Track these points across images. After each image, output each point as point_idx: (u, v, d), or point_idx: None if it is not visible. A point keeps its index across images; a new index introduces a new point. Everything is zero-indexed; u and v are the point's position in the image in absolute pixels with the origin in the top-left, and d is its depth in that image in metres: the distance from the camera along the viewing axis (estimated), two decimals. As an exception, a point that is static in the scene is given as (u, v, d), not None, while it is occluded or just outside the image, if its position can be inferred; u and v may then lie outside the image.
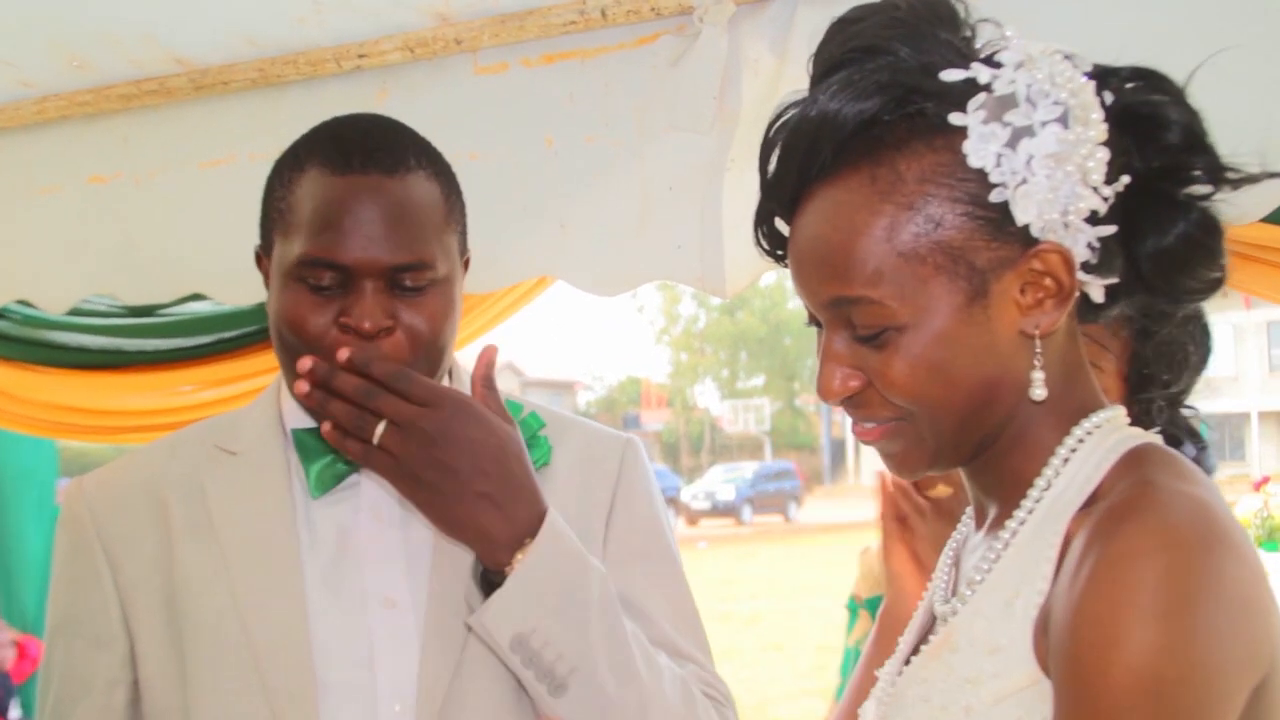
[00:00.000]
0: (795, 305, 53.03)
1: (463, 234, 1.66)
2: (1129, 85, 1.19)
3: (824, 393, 1.22)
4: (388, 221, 1.54)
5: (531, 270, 2.28)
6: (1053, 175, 1.13)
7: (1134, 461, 1.15)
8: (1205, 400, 1.86)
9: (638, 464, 1.76)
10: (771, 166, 1.23)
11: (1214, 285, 1.21)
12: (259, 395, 1.77)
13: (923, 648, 1.24)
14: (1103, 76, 1.19)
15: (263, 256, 1.66)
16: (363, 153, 1.56)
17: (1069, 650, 1.05)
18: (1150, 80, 1.19)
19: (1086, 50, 1.20)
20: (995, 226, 1.14)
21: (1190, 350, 1.82)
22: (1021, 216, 1.13)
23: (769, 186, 1.24)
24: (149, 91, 2.48)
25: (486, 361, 1.59)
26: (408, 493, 1.53)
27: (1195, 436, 1.86)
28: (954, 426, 1.20)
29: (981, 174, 1.14)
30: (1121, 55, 1.21)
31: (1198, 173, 1.17)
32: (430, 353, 1.59)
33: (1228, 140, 1.19)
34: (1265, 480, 8.02)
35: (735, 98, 2.08)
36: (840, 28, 1.21)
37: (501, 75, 2.28)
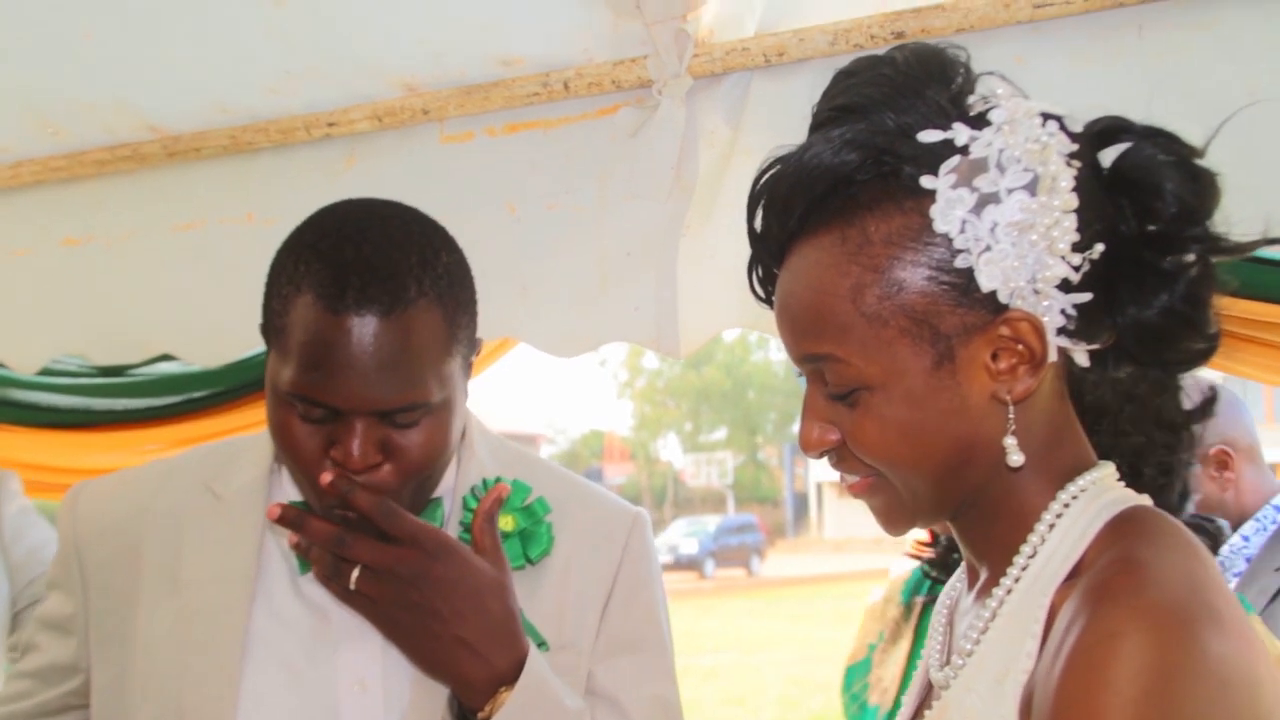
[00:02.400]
0: (758, 359, 53.11)
1: (468, 341, 1.60)
2: (1136, 145, 1.17)
3: (804, 445, 1.23)
4: (380, 366, 1.46)
5: (494, 332, 2.33)
6: (1018, 243, 1.12)
7: (1119, 530, 1.14)
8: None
9: (642, 548, 1.73)
10: (757, 220, 1.24)
11: (1200, 356, 1.19)
12: (263, 431, 1.72)
13: None
14: (1109, 134, 1.18)
15: (263, 333, 1.60)
16: (358, 288, 1.46)
17: None
18: (1160, 141, 1.17)
19: (1106, 106, 1.21)
20: (960, 292, 1.14)
21: (1160, 407, 1.71)
22: (986, 283, 1.13)
23: (756, 239, 1.25)
24: (122, 157, 2.54)
25: (494, 499, 1.57)
26: (386, 633, 1.52)
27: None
28: (928, 487, 1.19)
29: (948, 239, 1.13)
30: (1149, 111, 1.21)
31: (1189, 243, 1.15)
32: (423, 478, 1.57)
33: (1236, 202, 1.18)
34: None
35: (692, 167, 2.15)
36: (836, 82, 1.23)
37: (467, 144, 2.34)
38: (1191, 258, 1.15)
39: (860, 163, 1.16)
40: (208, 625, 1.59)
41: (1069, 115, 1.18)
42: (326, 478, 1.48)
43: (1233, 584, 2.92)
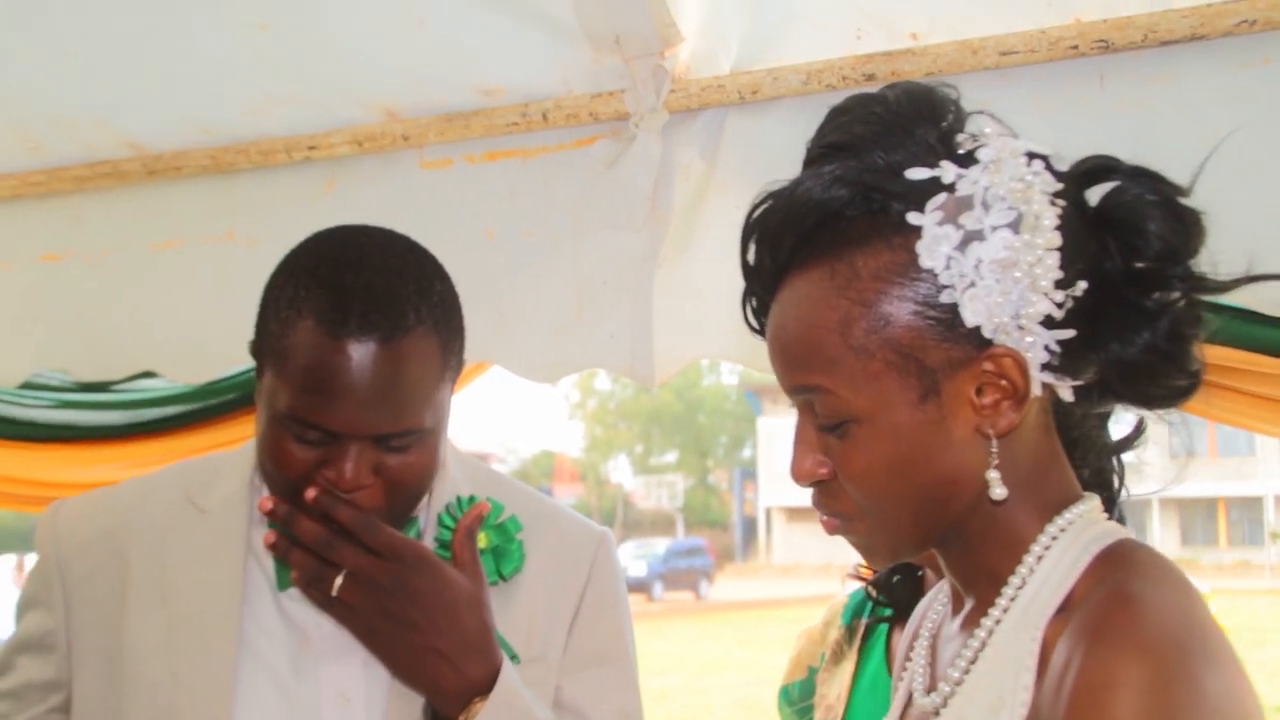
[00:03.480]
0: (710, 383, 53.26)
1: (458, 367, 1.65)
2: (1121, 185, 1.19)
3: (795, 475, 1.25)
4: (379, 392, 1.50)
5: (471, 356, 2.33)
6: (1002, 280, 1.14)
7: (1108, 563, 1.15)
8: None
9: (608, 566, 1.79)
10: (750, 253, 1.26)
11: (1182, 393, 1.20)
12: (240, 446, 1.77)
13: None
14: (1095, 173, 1.20)
15: (254, 354, 1.63)
16: (361, 314, 1.50)
17: None
18: (1145, 181, 1.19)
19: (1068, 152, 1.22)
20: (946, 327, 1.15)
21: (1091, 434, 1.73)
22: (971, 319, 1.15)
23: (748, 272, 1.27)
24: (102, 174, 2.56)
25: (475, 516, 1.63)
26: (364, 641, 1.57)
27: None
28: (909, 523, 1.21)
29: (934, 274, 1.15)
30: (1135, 151, 1.23)
31: (1173, 281, 1.17)
32: (410, 499, 1.62)
33: (1224, 237, 1.21)
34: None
35: (667, 199, 2.19)
36: (829, 119, 1.25)
37: (446, 170, 2.38)
38: (1175, 295, 1.18)
39: (849, 199, 1.18)
40: (199, 632, 1.62)
41: (1055, 155, 1.20)
42: (311, 493, 1.52)
43: None
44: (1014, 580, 1.20)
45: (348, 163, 2.45)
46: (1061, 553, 1.19)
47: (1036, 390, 1.18)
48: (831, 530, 1.27)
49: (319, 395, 1.50)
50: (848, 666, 2.21)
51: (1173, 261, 1.17)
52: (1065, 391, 1.20)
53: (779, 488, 44.90)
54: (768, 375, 1.41)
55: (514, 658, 1.67)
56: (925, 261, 1.16)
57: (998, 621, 1.20)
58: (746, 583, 39.43)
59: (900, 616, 2.20)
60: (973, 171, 1.17)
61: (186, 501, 1.71)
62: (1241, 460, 40.33)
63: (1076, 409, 1.24)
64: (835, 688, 2.21)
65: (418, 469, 1.59)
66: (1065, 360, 1.18)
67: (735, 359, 2.19)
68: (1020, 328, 1.16)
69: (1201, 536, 42.27)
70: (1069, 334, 1.16)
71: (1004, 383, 1.17)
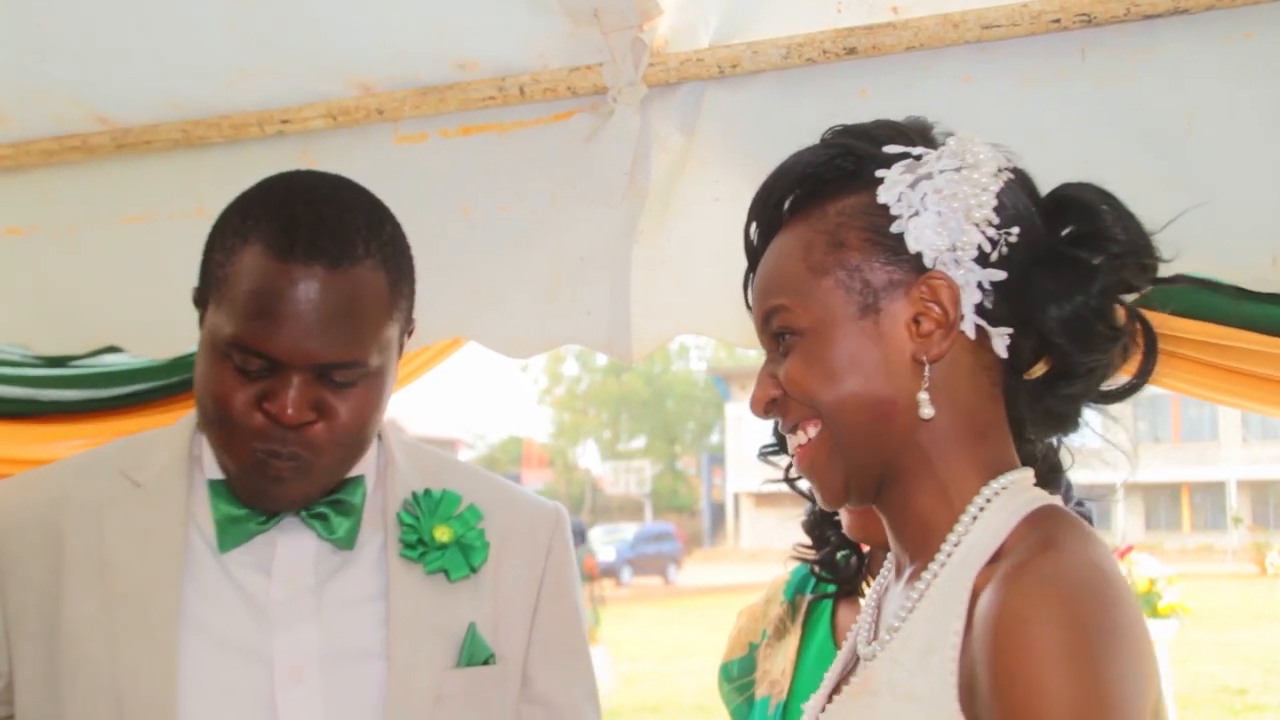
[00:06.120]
0: (679, 369, 53.32)
1: (407, 312, 1.63)
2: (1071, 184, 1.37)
3: (753, 402, 1.41)
4: (324, 319, 1.49)
5: (446, 332, 2.34)
6: (942, 211, 1.32)
7: (1036, 521, 1.28)
8: (1073, 472, 1.88)
9: (563, 547, 1.78)
10: (753, 229, 1.46)
11: (1108, 341, 1.32)
12: (178, 422, 1.75)
13: (844, 687, 1.34)
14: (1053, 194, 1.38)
15: (197, 301, 1.62)
16: (309, 239, 1.49)
17: (999, 709, 1.14)
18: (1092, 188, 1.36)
19: (1050, 125, 1.39)
20: (892, 252, 1.34)
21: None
22: (913, 244, 1.33)
23: (746, 243, 1.47)
24: (70, 148, 2.52)
25: None
26: None
27: None
28: (855, 435, 1.34)
29: (886, 208, 1.34)
30: (1091, 130, 1.39)
31: (1110, 244, 1.31)
32: (352, 441, 1.59)
33: (1203, 208, 1.35)
34: (1129, 549, 8.36)
35: (645, 174, 2.18)
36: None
37: (421, 145, 2.35)
38: (1109, 257, 1.32)
39: (828, 158, 1.39)
40: (139, 607, 1.59)
41: (1012, 151, 1.39)
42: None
43: None
44: (951, 537, 1.32)
45: (321, 137, 2.42)
46: (995, 514, 1.31)
47: (969, 327, 1.32)
48: (800, 457, 1.39)
49: (262, 320, 1.49)
50: (791, 641, 2.23)
51: (1119, 229, 1.32)
52: (999, 342, 1.33)
53: (747, 473, 44.97)
54: (740, 357, 1.51)
55: (490, 659, 1.65)
56: (882, 198, 1.35)
57: (935, 575, 1.31)
58: (714, 568, 39.47)
59: (846, 593, 2.22)
60: (939, 148, 1.38)
61: (121, 476, 1.67)
62: (1204, 445, 40.68)
63: (1010, 367, 1.35)
64: (779, 662, 2.23)
65: (360, 411, 1.56)
66: (999, 305, 1.32)
67: (713, 334, 2.18)
68: (956, 261, 1.32)
69: (1165, 521, 42.56)
70: (1000, 275, 1.32)
71: (936, 311, 1.32)
